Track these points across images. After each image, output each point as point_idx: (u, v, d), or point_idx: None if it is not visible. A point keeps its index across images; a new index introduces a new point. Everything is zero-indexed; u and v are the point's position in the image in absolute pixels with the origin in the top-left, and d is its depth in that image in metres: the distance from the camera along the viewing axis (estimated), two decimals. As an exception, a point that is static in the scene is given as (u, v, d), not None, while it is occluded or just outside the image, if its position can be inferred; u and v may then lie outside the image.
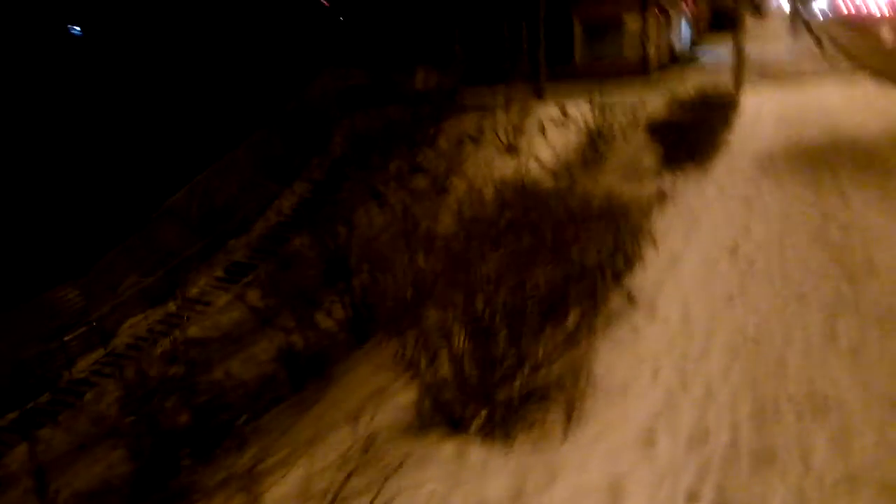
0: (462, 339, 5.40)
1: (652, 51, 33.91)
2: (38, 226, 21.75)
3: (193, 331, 20.91)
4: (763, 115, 21.25)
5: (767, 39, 46.67)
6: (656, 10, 34.49)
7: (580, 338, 6.17)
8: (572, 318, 5.82)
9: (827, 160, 15.06)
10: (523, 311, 5.50)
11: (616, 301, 7.64)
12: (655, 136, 16.26)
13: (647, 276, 8.80)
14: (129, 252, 21.60)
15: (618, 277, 7.52)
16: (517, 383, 5.33)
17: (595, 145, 20.46)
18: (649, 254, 9.53)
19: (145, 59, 25.58)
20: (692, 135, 15.45)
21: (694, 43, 44.74)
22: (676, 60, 36.86)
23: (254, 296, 21.39)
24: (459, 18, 34.68)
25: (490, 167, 22.85)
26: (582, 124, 22.28)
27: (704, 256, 9.60)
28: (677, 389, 6.37)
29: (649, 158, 16.27)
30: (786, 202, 12.08)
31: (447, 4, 33.94)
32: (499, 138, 24.05)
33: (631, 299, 7.46)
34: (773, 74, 29.79)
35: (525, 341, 5.45)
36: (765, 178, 13.79)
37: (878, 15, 42.06)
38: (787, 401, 6.09)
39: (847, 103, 22.63)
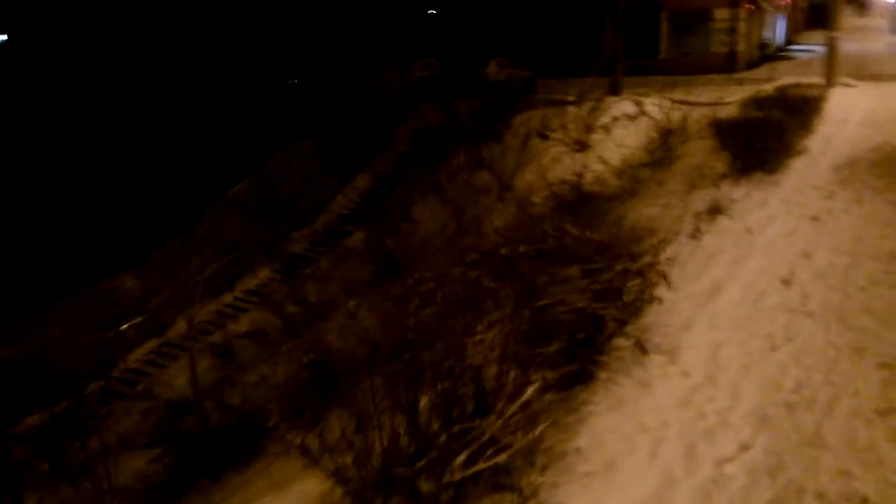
0: (384, 413, 4.22)
1: (741, 46, 31.64)
2: (98, 213, 21.37)
3: (247, 322, 20.29)
4: (852, 117, 19.14)
5: (869, 36, 43.38)
6: (748, 4, 32.17)
7: (545, 407, 4.86)
8: (533, 388, 4.54)
9: (917, 172, 13.15)
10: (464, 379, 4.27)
11: (625, 350, 6.28)
12: (723, 138, 14.57)
13: (678, 310, 7.39)
14: (190, 241, 21.00)
15: (625, 321, 6.15)
16: (452, 470, 4.10)
17: (666, 145, 18.84)
18: (686, 283, 8.10)
19: (212, 49, 25.01)
20: (763, 138, 13.70)
21: (789, 39, 41.89)
22: (769, 57, 34.36)
23: (311, 289, 20.70)
24: (542, 8, 33.15)
25: (559, 164, 21.45)
26: (659, 121, 20.66)
27: (751, 287, 8.08)
28: (678, 472, 5.01)
29: (719, 162, 14.62)
30: (861, 222, 10.34)
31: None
32: (568, 135, 22.56)
33: (641, 348, 6.10)
34: (870, 73, 27.22)
35: (468, 415, 4.22)
36: (841, 191, 11.99)
37: None
38: (814, 499, 4.68)
39: (949, 106, 20.29)
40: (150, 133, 23.65)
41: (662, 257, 6.56)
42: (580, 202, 16.17)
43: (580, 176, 16.88)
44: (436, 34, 31.17)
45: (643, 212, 11.99)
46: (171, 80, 24.36)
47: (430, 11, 39.15)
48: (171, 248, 20.80)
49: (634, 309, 6.24)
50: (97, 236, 20.81)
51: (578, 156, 22.23)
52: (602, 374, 6.04)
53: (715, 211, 10.40)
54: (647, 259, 6.24)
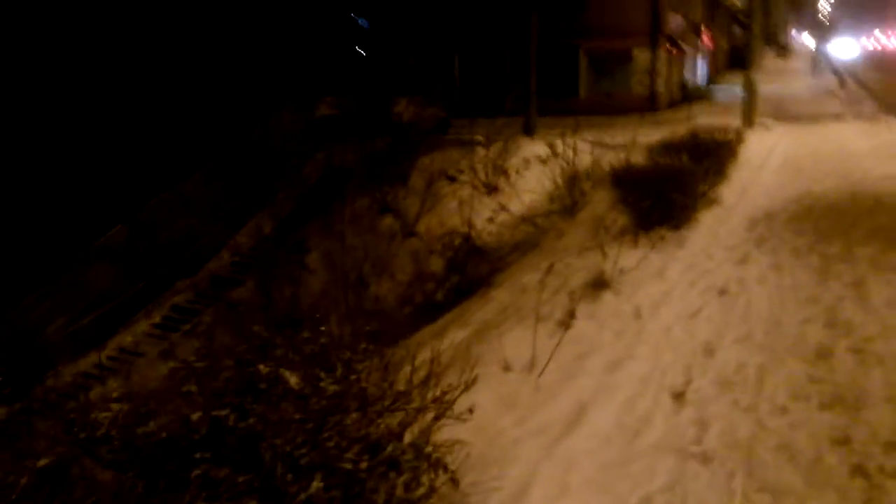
0: None
1: (661, 87, 29.82)
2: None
3: (114, 387, 17.24)
4: (771, 161, 17.02)
5: (789, 78, 42.10)
6: (668, 45, 30.37)
7: None
8: None
9: (842, 225, 10.82)
10: None
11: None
12: (628, 186, 12.12)
13: (518, 456, 4.78)
14: (55, 294, 17.98)
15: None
16: None
17: (572, 192, 16.49)
18: (539, 406, 5.51)
19: (83, 80, 21.99)
20: (672, 186, 11.28)
21: (710, 80, 40.30)
22: (689, 98, 32.54)
23: (190, 347, 17.78)
24: (460, 48, 30.98)
25: (463, 209, 18.97)
26: (567, 165, 18.33)
27: (629, 410, 5.47)
28: None
29: (622, 214, 12.16)
30: (779, 296, 7.86)
31: (447, 33, 30.32)
32: (476, 177, 20.16)
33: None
34: (789, 115, 25.39)
35: None
36: (756, 253, 9.58)
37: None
38: None
39: (871, 149, 18.25)
40: (12, 170, 20.47)
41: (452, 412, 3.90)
42: (470, 256, 13.75)
43: (471, 228, 14.40)
44: (352, 72, 28.62)
45: (521, 280, 9.44)
46: (39, 111, 21.23)
47: (356, 49, 36.74)
48: (32, 301, 17.73)
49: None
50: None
51: (486, 199, 19.89)
52: None
53: (599, 285, 7.85)
54: (430, 416, 3.59)
